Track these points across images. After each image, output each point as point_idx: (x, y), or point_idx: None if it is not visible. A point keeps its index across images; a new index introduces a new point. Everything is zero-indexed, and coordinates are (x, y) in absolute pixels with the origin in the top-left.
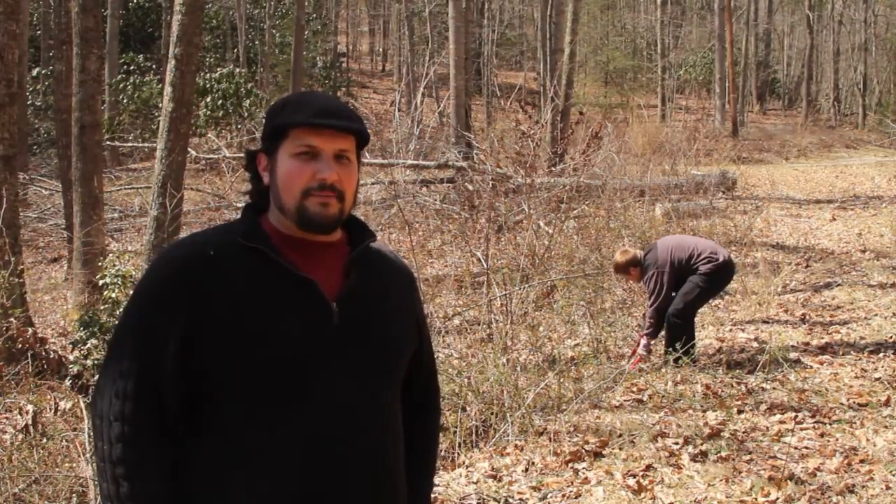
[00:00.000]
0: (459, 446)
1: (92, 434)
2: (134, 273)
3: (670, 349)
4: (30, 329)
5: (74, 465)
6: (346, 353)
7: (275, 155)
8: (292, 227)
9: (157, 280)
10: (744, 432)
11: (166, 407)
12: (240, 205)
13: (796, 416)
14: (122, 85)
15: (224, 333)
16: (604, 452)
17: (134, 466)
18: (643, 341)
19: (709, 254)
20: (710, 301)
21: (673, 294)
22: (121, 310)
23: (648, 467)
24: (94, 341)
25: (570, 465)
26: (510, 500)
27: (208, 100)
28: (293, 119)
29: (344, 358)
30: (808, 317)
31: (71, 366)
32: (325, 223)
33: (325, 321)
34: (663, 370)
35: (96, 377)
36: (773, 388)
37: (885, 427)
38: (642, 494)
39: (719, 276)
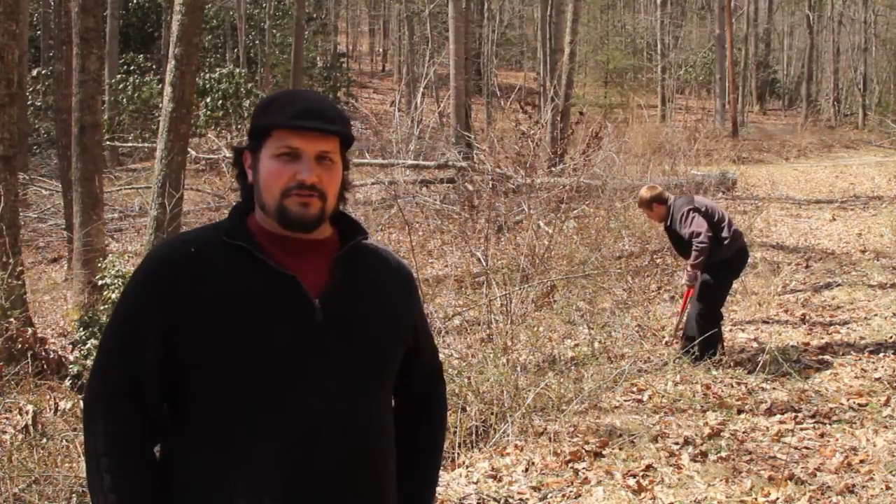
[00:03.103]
0: (459, 446)
1: (83, 430)
2: None
3: (697, 346)
4: (30, 329)
5: (74, 465)
6: (329, 351)
7: (258, 154)
8: (277, 225)
9: (141, 280)
10: (744, 432)
11: (150, 402)
12: None
13: (796, 416)
14: (122, 85)
15: (205, 330)
16: (604, 452)
17: (118, 460)
18: (689, 271)
19: (732, 233)
20: None
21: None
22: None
23: (648, 467)
24: (94, 341)
25: (570, 465)
26: (510, 500)
27: (208, 100)
28: (275, 120)
29: (327, 356)
30: (808, 317)
31: (71, 366)
32: (305, 223)
33: (307, 318)
34: (664, 370)
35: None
36: (773, 388)
37: (885, 427)
38: (642, 494)
39: (739, 262)
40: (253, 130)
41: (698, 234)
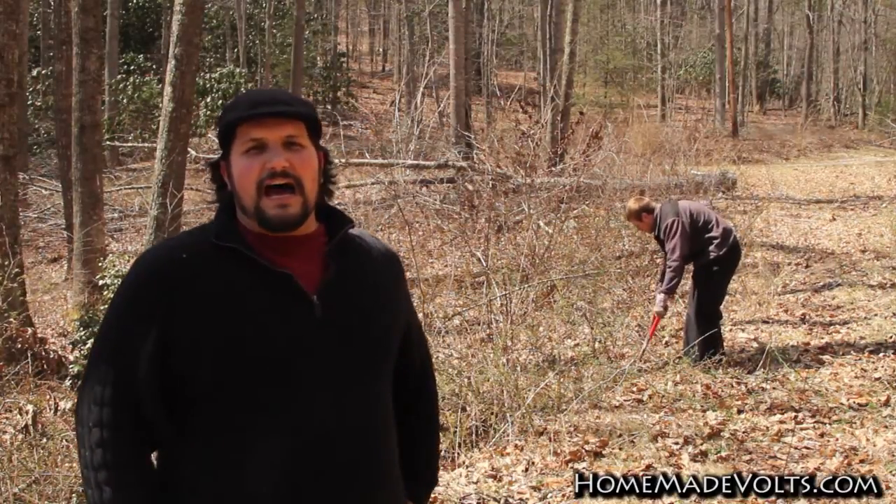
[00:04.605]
0: (459, 446)
1: (76, 442)
2: None
3: (700, 348)
4: (30, 329)
5: (74, 465)
6: (331, 347)
7: (229, 159)
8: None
9: (131, 287)
10: (744, 432)
11: (146, 411)
12: None
13: (796, 416)
14: (122, 85)
15: (201, 336)
16: (604, 452)
17: (115, 471)
18: (660, 297)
19: (722, 232)
20: None
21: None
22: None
23: (648, 467)
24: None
25: (570, 465)
26: (510, 500)
27: (208, 100)
28: (234, 117)
29: (329, 352)
30: (808, 317)
31: (71, 366)
32: (285, 224)
33: (306, 316)
34: (664, 370)
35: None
36: (773, 388)
37: (885, 427)
38: None
39: (732, 260)
40: (219, 138)
41: (673, 252)
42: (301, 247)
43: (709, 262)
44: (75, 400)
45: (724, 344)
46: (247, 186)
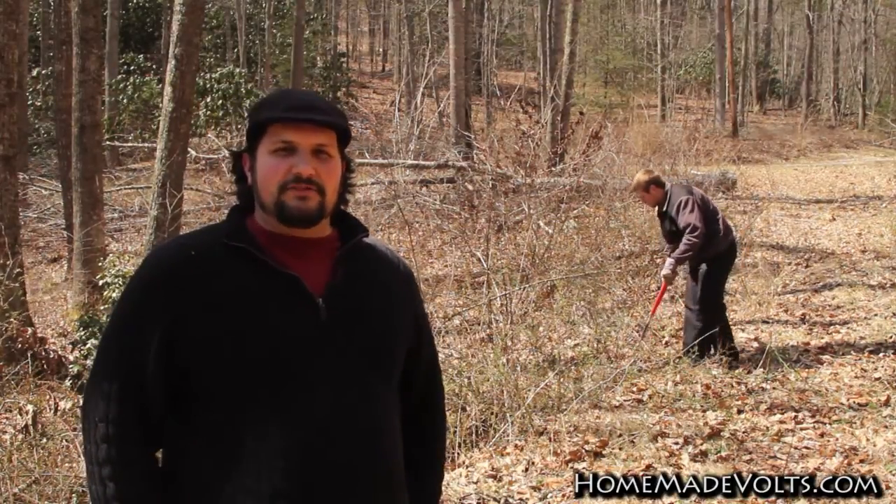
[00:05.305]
0: (459, 446)
1: (82, 436)
2: None
3: (701, 348)
4: (30, 329)
5: (74, 465)
6: (334, 350)
7: (255, 153)
8: (278, 225)
9: (140, 284)
10: (744, 432)
11: (152, 408)
12: None
13: (796, 416)
14: (122, 85)
15: (207, 335)
16: (604, 452)
17: (119, 467)
18: (669, 261)
19: (724, 227)
20: None
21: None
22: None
23: (648, 467)
24: (94, 341)
25: (570, 465)
26: (510, 500)
27: (208, 100)
28: (269, 115)
29: (333, 354)
30: (808, 317)
31: (71, 366)
32: (304, 217)
33: (311, 318)
34: (664, 369)
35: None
36: (773, 388)
37: (885, 427)
38: None
39: (730, 257)
40: (249, 130)
41: (695, 229)
42: (312, 249)
43: (711, 257)
44: (76, 400)
45: (733, 337)
46: (269, 185)
